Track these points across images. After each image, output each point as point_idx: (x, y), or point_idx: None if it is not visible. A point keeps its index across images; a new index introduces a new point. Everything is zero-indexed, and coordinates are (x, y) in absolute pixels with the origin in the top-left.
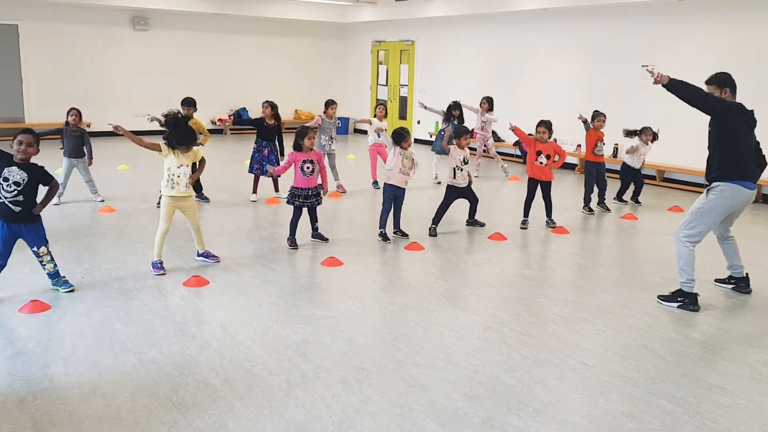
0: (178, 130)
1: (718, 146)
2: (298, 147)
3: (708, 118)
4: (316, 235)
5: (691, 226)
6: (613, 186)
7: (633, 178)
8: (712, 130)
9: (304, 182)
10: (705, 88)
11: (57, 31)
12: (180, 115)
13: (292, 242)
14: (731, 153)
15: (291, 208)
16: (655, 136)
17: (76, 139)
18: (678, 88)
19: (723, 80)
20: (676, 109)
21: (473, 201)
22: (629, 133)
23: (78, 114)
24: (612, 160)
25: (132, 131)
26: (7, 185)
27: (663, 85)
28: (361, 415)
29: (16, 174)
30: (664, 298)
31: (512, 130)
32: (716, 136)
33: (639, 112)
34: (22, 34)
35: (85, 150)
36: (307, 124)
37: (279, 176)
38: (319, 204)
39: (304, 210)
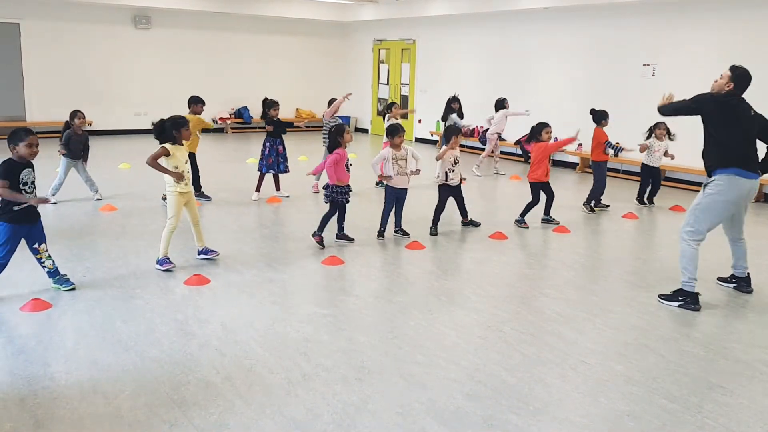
0: (168, 122)
1: (707, 138)
2: (337, 144)
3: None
4: (342, 235)
5: (691, 223)
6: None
7: (651, 177)
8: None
9: (347, 178)
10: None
11: (58, 29)
12: (157, 121)
13: (321, 239)
14: (720, 143)
15: (291, 207)
16: (669, 132)
17: (79, 142)
18: (667, 110)
19: (737, 75)
20: None
21: (460, 200)
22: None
23: (83, 116)
24: (614, 159)
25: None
26: (29, 188)
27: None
28: (361, 413)
29: (30, 174)
30: (665, 297)
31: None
32: (705, 129)
33: (640, 111)
34: (24, 32)
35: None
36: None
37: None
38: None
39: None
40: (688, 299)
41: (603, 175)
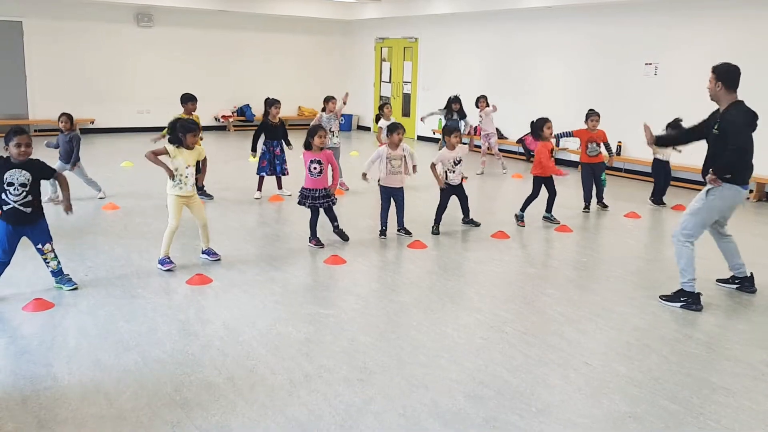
0: (179, 124)
1: (737, 149)
2: (308, 146)
3: (707, 114)
4: (338, 231)
5: (691, 227)
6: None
7: (665, 175)
8: (721, 135)
9: (312, 183)
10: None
11: (61, 27)
12: (173, 118)
13: (317, 241)
14: (747, 152)
15: (293, 205)
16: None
17: (67, 144)
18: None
19: (723, 72)
20: (678, 108)
21: (463, 199)
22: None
23: (68, 119)
24: (616, 158)
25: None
26: (14, 189)
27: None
28: (363, 414)
29: (19, 175)
30: (666, 298)
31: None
32: (728, 144)
33: (642, 111)
34: (27, 30)
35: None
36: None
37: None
38: (333, 204)
39: (320, 210)
40: (689, 299)
41: (589, 177)
